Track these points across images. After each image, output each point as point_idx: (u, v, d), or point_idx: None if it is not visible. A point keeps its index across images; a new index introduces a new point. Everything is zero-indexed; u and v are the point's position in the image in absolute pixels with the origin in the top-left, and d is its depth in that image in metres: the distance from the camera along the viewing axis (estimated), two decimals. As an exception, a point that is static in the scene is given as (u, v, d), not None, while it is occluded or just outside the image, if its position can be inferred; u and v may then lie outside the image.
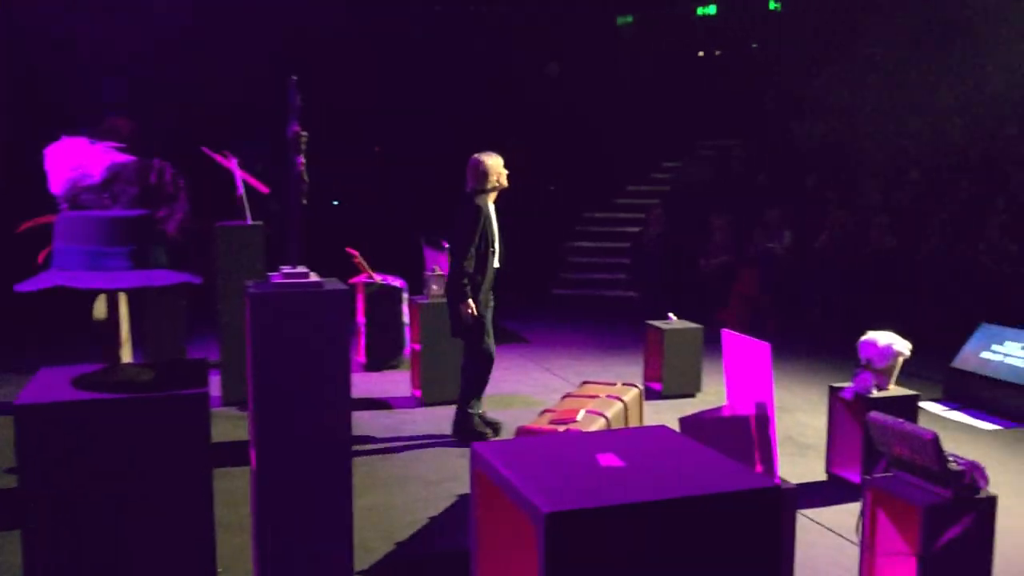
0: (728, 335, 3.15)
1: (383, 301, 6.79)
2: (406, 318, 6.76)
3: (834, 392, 4.67)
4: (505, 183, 4.94)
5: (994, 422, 5.74)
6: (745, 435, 2.91)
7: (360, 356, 6.93)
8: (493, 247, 4.87)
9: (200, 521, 2.30)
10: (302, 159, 3.00)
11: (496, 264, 4.95)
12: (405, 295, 6.93)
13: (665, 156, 12.45)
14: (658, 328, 6.34)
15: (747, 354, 3.01)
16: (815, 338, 8.36)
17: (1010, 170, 8.97)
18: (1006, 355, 6.01)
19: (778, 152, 11.37)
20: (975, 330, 6.38)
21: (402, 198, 10.90)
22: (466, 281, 4.79)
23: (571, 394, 4.45)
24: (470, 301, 4.83)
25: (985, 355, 6.14)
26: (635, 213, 11.32)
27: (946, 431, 5.51)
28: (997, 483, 4.10)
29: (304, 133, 3.03)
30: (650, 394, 6.24)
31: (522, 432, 3.90)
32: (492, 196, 4.91)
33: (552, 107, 11.83)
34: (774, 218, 9.25)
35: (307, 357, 2.81)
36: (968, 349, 6.30)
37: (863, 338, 4.56)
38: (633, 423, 4.45)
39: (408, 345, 6.64)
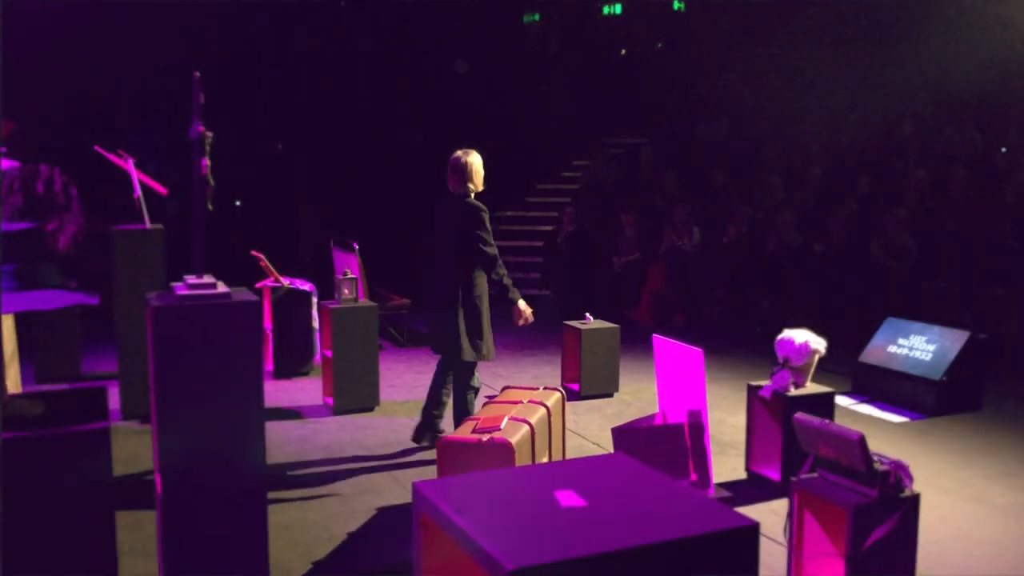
0: (659, 341, 3.12)
1: (291, 306, 6.62)
2: (316, 323, 6.59)
3: (752, 391, 4.73)
4: (481, 186, 4.80)
5: (902, 414, 5.96)
6: (679, 444, 2.87)
7: (268, 364, 6.80)
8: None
9: (101, 556, 2.07)
10: (207, 161, 2.78)
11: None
12: (314, 299, 6.77)
13: (575, 155, 12.51)
14: (575, 329, 6.37)
15: (679, 360, 2.97)
16: (723, 333, 8.55)
17: (906, 167, 9.40)
18: (911, 348, 6.26)
19: (685, 150, 11.59)
20: (881, 324, 6.60)
21: (311, 198, 10.56)
22: (507, 283, 4.59)
23: (493, 400, 4.36)
24: (522, 301, 4.62)
25: (891, 349, 6.37)
26: (547, 212, 11.35)
27: (856, 425, 5.68)
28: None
29: (209, 133, 2.81)
30: (569, 395, 6.22)
31: (445, 444, 3.78)
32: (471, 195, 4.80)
33: (461, 106, 11.72)
34: (682, 216, 9.41)
35: (215, 374, 2.61)
36: (875, 343, 6.52)
37: (780, 336, 4.63)
38: (557, 427, 4.39)
39: (318, 352, 6.44)
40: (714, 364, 7.32)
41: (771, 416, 4.62)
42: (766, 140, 11.05)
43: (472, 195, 4.74)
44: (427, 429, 4.95)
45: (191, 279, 2.76)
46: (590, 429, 5.50)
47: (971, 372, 6.05)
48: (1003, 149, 9.20)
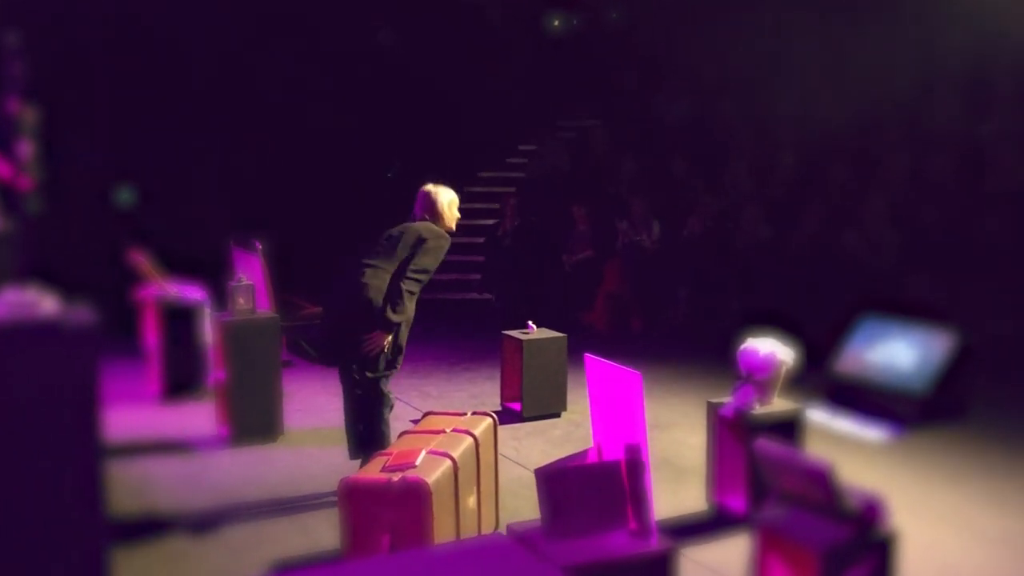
0: (592, 362, 2.93)
1: (180, 318, 6.49)
2: (209, 338, 6.37)
3: (713, 409, 4.60)
4: (454, 228, 4.73)
5: (882, 428, 5.91)
6: (615, 486, 2.69)
7: (152, 386, 6.62)
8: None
9: None
10: (28, 144, 2.46)
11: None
12: (207, 310, 6.58)
13: (520, 138, 12.38)
14: (516, 339, 6.24)
15: (615, 385, 2.79)
16: (686, 340, 8.49)
17: (883, 154, 9.41)
18: (890, 354, 6.21)
19: (643, 134, 11.49)
20: (856, 326, 6.54)
21: (208, 190, 10.21)
22: (400, 307, 4.42)
23: (410, 431, 4.14)
24: (390, 337, 4.47)
25: (869, 355, 6.33)
26: (488, 203, 11.16)
27: (831, 443, 5.61)
28: (888, 501, 4.12)
29: (30, 109, 2.50)
30: (509, 417, 6.14)
31: (348, 486, 3.53)
32: None
33: (387, 83, 11.46)
34: (640, 208, 9.31)
35: (36, 418, 2.30)
36: (850, 349, 6.47)
37: (742, 347, 4.52)
38: (487, 460, 4.20)
39: (212, 372, 6.23)
40: (676, 375, 7.25)
41: (734, 438, 4.51)
42: (732, 122, 11.00)
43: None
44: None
45: (10, 295, 2.45)
46: (532, 456, 5.37)
47: (957, 379, 6.04)
48: (988, 129, 9.26)
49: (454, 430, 4.08)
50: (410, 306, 4.51)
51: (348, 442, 4.76)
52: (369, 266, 4.49)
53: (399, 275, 4.45)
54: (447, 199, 4.71)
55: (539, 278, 9.48)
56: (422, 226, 4.55)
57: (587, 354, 3.12)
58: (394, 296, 4.42)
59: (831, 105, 10.66)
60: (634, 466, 2.79)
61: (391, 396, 4.69)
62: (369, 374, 4.51)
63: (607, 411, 2.98)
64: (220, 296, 6.24)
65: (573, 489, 2.65)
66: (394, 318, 4.41)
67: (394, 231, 4.60)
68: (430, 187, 4.74)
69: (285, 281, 7.19)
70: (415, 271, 4.46)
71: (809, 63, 11.18)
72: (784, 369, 4.51)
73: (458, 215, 4.76)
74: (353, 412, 4.70)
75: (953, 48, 10.16)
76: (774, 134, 10.67)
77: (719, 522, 4.45)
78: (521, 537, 2.89)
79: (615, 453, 2.91)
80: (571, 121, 12.50)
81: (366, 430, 4.61)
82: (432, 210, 4.66)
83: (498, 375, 6.47)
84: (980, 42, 9.81)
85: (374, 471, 3.66)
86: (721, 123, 11.20)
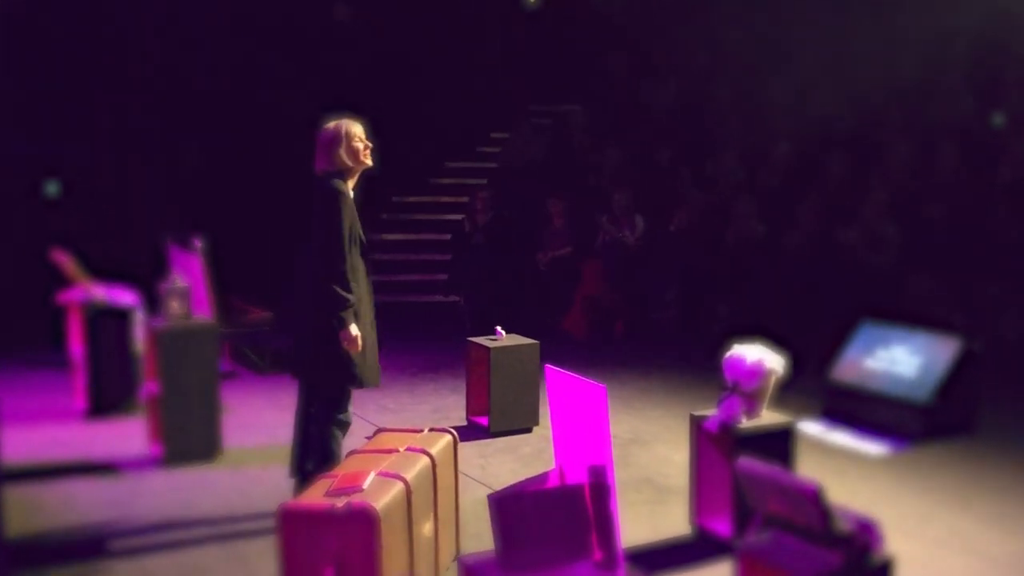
0: (553, 374, 2.88)
1: (108, 324, 6.40)
2: (140, 347, 6.34)
3: (696, 423, 4.57)
4: (368, 162, 4.58)
5: (883, 443, 5.93)
6: (578, 512, 2.64)
7: (78, 400, 6.55)
8: (362, 246, 4.53)
9: None
10: None
11: (366, 275, 4.59)
12: (139, 315, 6.52)
13: (493, 125, 12.36)
14: (482, 346, 6.20)
15: (578, 400, 2.75)
16: (673, 346, 8.50)
17: (884, 144, 9.44)
18: (892, 362, 6.22)
19: (626, 121, 11.48)
20: (856, 331, 6.55)
21: (142, 182, 10.10)
22: (350, 300, 4.36)
23: (359, 450, 4.09)
24: (353, 327, 4.38)
25: (868, 362, 6.34)
26: (457, 197, 11.15)
27: (825, 459, 5.62)
28: (888, 523, 4.10)
29: None
30: (475, 432, 6.12)
31: (287, 513, 3.47)
32: (353, 178, 4.59)
33: (346, 63, 11.38)
34: (623, 201, 9.30)
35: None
36: (849, 355, 6.49)
37: (728, 355, 4.50)
38: (446, 482, 4.15)
39: (143, 384, 6.22)
40: (661, 386, 7.27)
41: (719, 454, 4.49)
42: (724, 109, 11.01)
43: (343, 176, 4.52)
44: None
45: None
46: (500, 476, 5.35)
47: (963, 388, 6.05)
48: (997, 118, 9.30)
49: (408, 449, 4.01)
50: (356, 286, 4.42)
51: (291, 460, 4.70)
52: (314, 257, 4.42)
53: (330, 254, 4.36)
54: (351, 128, 4.52)
55: (511, 279, 9.47)
56: (327, 188, 4.43)
57: (547, 365, 3.06)
58: (330, 281, 4.34)
59: (829, 91, 10.70)
60: (599, 490, 2.74)
61: (349, 414, 4.63)
62: (329, 388, 4.47)
63: (570, 429, 2.94)
64: (153, 300, 6.17)
65: (531, 516, 2.60)
66: (345, 314, 4.33)
67: (310, 199, 4.49)
68: (325, 124, 4.56)
69: (228, 282, 7.11)
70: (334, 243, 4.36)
71: (806, 46, 11.21)
72: (774, 378, 4.49)
73: (362, 144, 4.54)
74: (304, 430, 4.65)
75: (960, 30, 10.21)
76: (768, 122, 10.68)
77: (702, 548, 4.42)
78: (472, 570, 2.83)
79: (578, 475, 2.86)
80: (548, 106, 12.48)
81: (317, 450, 4.56)
82: (328, 151, 4.50)
83: (464, 386, 6.43)
84: (989, 24, 9.87)
85: (316, 495, 3.58)
86: (712, 110, 11.21)
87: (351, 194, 4.54)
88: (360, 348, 4.42)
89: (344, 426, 4.63)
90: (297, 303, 4.59)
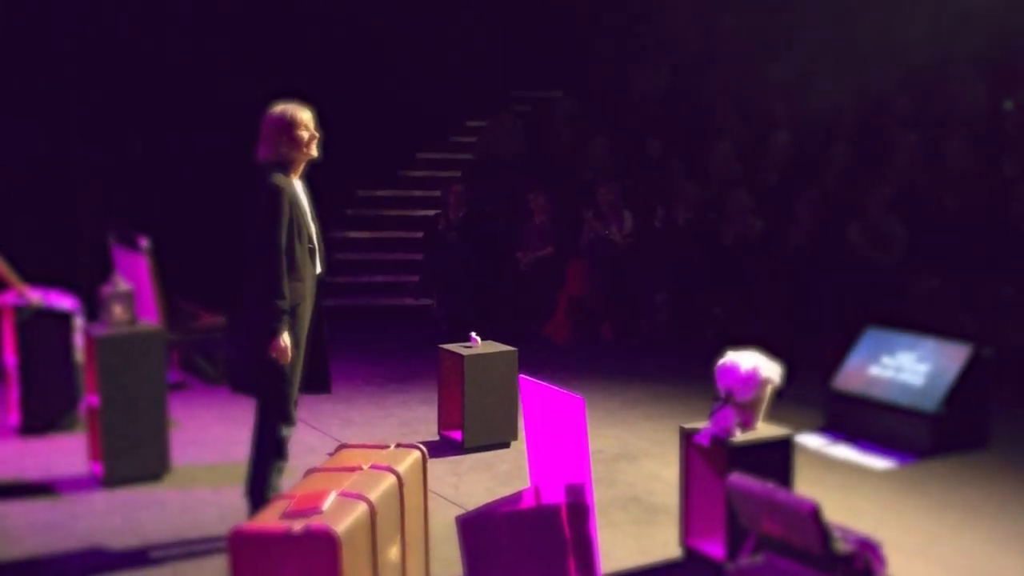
0: (528, 385, 2.89)
1: (44, 331, 6.39)
2: (80, 356, 6.30)
3: (687, 436, 4.59)
4: (314, 152, 4.60)
5: (888, 456, 5.97)
6: (555, 534, 2.65)
7: (11, 415, 6.53)
8: (310, 243, 4.54)
9: None
10: None
11: (318, 269, 4.61)
12: (78, 321, 6.49)
13: (468, 113, 12.35)
14: (456, 354, 6.20)
15: (555, 412, 2.76)
16: (664, 353, 8.54)
17: (891, 134, 9.51)
18: (898, 369, 6.27)
19: (614, 108, 11.52)
20: (860, 337, 6.60)
21: (83, 176, 10.04)
22: (281, 307, 4.38)
23: (319, 468, 4.08)
24: (285, 336, 4.42)
25: (873, 370, 6.38)
26: (429, 191, 11.15)
27: (828, 474, 5.68)
28: (895, 545, 4.14)
29: None
30: (447, 448, 6.12)
31: (239, 537, 3.46)
32: (297, 170, 4.60)
33: (305, 43, 11.35)
34: (610, 196, 9.32)
35: None
36: (852, 363, 6.53)
37: (721, 362, 4.53)
38: (414, 503, 4.14)
39: (83, 397, 6.20)
40: (650, 396, 7.32)
41: (711, 470, 4.52)
42: (718, 96, 11.06)
43: (278, 169, 4.52)
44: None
45: None
46: (475, 495, 5.35)
47: (974, 398, 6.09)
48: (1009, 104, 9.38)
49: (372, 467, 4.00)
50: (301, 286, 4.44)
51: (246, 479, 4.72)
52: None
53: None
54: (297, 114, 4.52)
55: (488, 280, 9.48)
56: (265, 182, 4.45)
57: (521, 376, 3.07)
58: (262, 284, 4.36)
59: (832, 77, 10.76)
60: (577, 510, 2.75)
61: (287, 440, 4.62)
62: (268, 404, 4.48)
63: (546, 444, 2.95)
64: (94, 304, 6.15)
65: (503, 539, 2.61)
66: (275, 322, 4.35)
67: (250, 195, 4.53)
68: (269, 110, 4.57)
69: (177, 285, 7.09)
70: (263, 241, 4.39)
71: (807, 28, 11.28)
72: (770, 388, 4.52)
73: (309, 133, 4.54)
74: (256, 450, 4.66)
75: (973, 12, 10.29)
76: (766, 110, 10.74)
77: (693, 571, 4.44)
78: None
79: (555, 495, 2.86)
80: (529, 92, 12.50)
81: (258, 473, 4.60)
82: (271, 140, 4.51)
83: (435, 398, 6.44)
84: (1003, 6, 9.95)
85: (271, 518, 3.57)
86: (706, 97, 11.26)
87: (295, 186, 4.55)
88: (289, 359, 4.44)
89: (282, 456, 4.65)
90: (237, 306, 4.64)
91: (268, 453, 4.62)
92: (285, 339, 4.42)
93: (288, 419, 4.61)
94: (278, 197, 4.41)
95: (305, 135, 4.53)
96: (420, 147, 11.97)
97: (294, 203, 4.49)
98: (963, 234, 8.13)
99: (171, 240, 7.82)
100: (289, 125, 4.50)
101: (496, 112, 11.86)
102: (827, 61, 11.04)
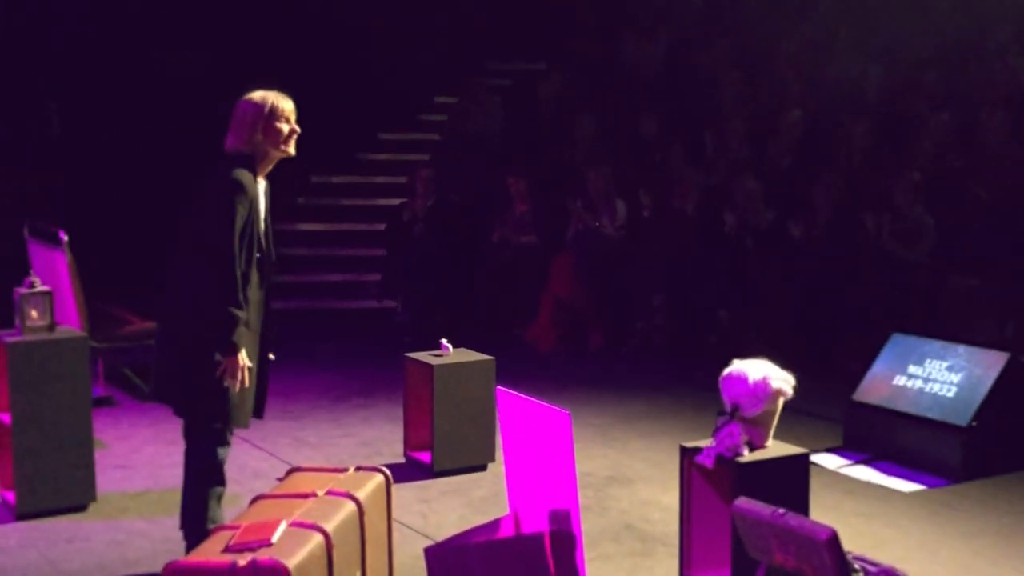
0: (506, 397, 2.93)
1: None
2: None
3: (687, 455, 4.61)
4: (291, 150, 4.63)
5: (915, 479, 6.01)
6: (536, 566, 2.69)
7: None
8: (260, 252, 4.56)
9: None
10: None
11: (267, 282, 4.65)
12: None
13: (438, 88, 12.39)
14: (424, 364, 6.21)
15: (537, 429, 2.80)
16: (662, 362, 8.57)
17: (922, 110, 9.57)
18: (927, 380, 6.32)
19: (605, 82, 11.56)
20: (884, 343, 6.65)
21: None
22: (239, 318, 4.42)
23: (267, 494, 4.10)
24: (243, 354, 4.45)
25: (900, 381, 6.43)
26: (392, 176, 11.19)
27: (847, 498, 5.72)
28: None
29: None
30: (415, 472, 6.12)
31: (172, 573, 3.49)
32: (266, 168, 4.64)
33: (253, 9, 11.34)
34: (600, 182, 9.35)
35: None
36: (876, 372, 6.59)
37: (726, 372, 4.54)
38: (376, 533, 4.17)
39: None
40: (646, 411, 7.38)
41: (715, 494, 4.53)
42: (722, 69, 11.12)
43: (243, 163, 4.55)
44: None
45: None
46: (447, 525, 5.36)
47: (1013, 412, 6.14)
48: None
49: (329, 493, 4.03)
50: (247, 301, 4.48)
51: (182, 509, 4.74)
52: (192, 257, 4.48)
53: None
54: (271, 104, 4.53)
55: (461, 279, 9.47)
56: (225, 173, 4.46)
57: (499, 388, 3.11)
58: (220, 289, 4.38)
59: (852, 47, 10.85)
60: (561, 540, 2.79)
61: (224, 462, 4.65)
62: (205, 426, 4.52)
63: (527, 465, 2.99)
64: (6, 307, 6.12)
65: (478, 573, 2.65)
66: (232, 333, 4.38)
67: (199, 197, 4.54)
68: (246, 96, 4.60)
69: (102, 285, 7.08)
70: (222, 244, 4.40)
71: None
72: (782, 401, 4.53)
73: (289, 127, 4.57)
74: (189, 475, 4.69)
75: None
76: (778, 85, 10.81)
77: (694, 611, 4.47)
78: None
79: (537, 522, 2.90)
80: (507, 64, 12.53)
81: (193, 502, 4.62)
82: (244, 129, 4.53)
83: (401, 414, 6.45)
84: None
85: (214, 551, 3.59)
86: (708, 70, 11.31)
87: (257, 187, 4.58)
88: (245, 381, 4.48)
89: (219, 484, 4.68)
90: (167, 311, 4.65)
91: (204, 479, 4.65)
92: (244, 357, 4.45)
93: (224, 441, 4.65)
94: (236, 194, 4.42)
95: (285, 128, 4.56)
96: (383, 127, 12.01)
97: (253, 205, 4.51)
98: (1001, 225, 8.19)
99: (95, 234, 7.81)
100: (268, 115, 4.52)
101: (469, 87, 11.91)
102: (847, 29, 11.12)
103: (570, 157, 10.44)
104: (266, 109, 4.52)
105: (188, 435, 4.68)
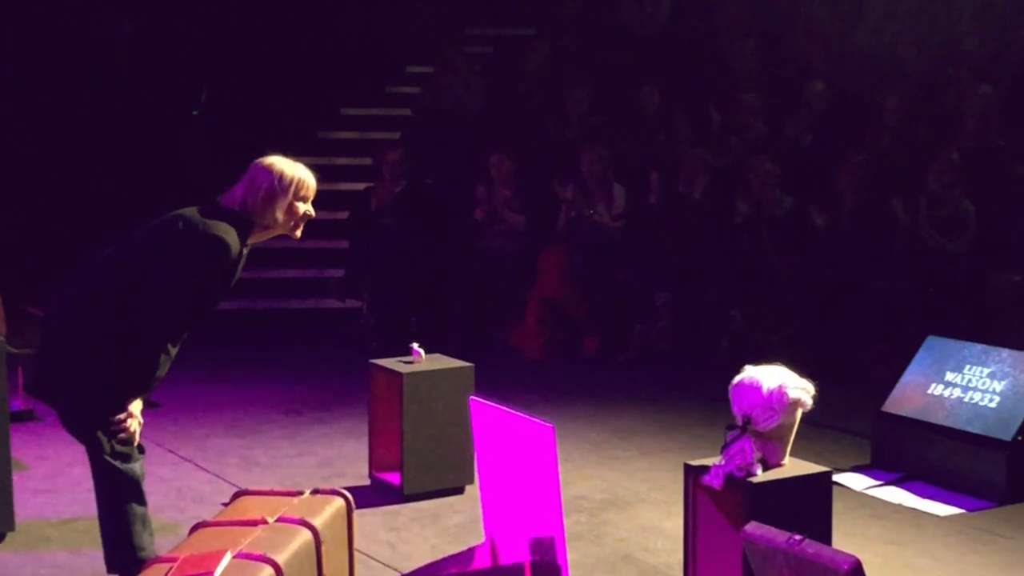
0: (480, 409, 2.93)
1: None
2: None
3: (693, 475, 4.63)
4: (297, 234, 4.80)
5: (953, 502, 6.02)
6: None
7: None
8: (204, 313, 4.71)
9: None
10: None
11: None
12: None
13: (411, 57, 12.42)
14: (392, 372, 6.21)
15: (517, 445, 2.80)
16: (665, 370, 8.59)
17: (961, 82, 9.60)
18: (967, 388, 6.33)
19: (599, 50, 11.57)
20: (918, 348, 6.67)
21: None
22: (154, 381, 4.62)
23: (210, 521, 4.10)
24: (136, 405, 4.61)
25: (935, 390, 6.45)
26: (357, 158, 11.23)
27: (875, 522, 5.73)
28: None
29: None
30: (382, 495, 6.12)
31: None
32: (260, 237, 4.76)
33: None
34: (596, 164, 9.36)
35: None
36: (909, 381, 6.60)
37: (737, 379, 4.56)
38: (335, 565, 4.18)
39: None
40: (647, 426, 7.39)
41: (725, 518, 4.54)
42: (736, 35, 11.15)
43: (250, 227, 4.66)
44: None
45: None
46: (417, 556, 5.35)
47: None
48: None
49: (280, 519, 4.03)
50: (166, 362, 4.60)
51: (104, 545, 4.75)
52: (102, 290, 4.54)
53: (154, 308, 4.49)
54: (293, 177, 4.65)
55: (434, 274, 9.47)
56: (213, 224, 4.50)
57: (473, 398, 3.12)
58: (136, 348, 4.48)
59: (884, 12, 10.89)
60: (544, 571, 2.79)
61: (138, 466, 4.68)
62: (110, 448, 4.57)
63: (505, 487, 2.99)
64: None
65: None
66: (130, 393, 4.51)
67: (165, 219, 4.58)
68: (269, 160, 4.70)
69: (21, 287, 7.05)
70: (172, 301, 4.49)
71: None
72: (800, 413, 4.55)
73: (304, 211, 4.71)
74: (101, 501, 4.72)
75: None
76: (798, 54, 10.84)
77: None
78: None
79: (517, 552, 2.91)
80: (488, 29, 12.54)
81: (114, 531, 4.64)
82: (259, 196, 4.61)
83: (366, 429, 6.45)
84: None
85: (148, 585, 3.59)
86: (718, 36, 11.34)
87: (241, 256, 4.65)
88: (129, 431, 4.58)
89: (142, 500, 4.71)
90: (65, 312, 4.66)
91: (121, 501, 4.64)
92: (136, 408, 4.58)
93: (129, 457, 4.67)
94: (216, 262, 4.51)
95: (301, 210, 4.67)
96: (346, 101, 12.03)
97: (225, 275, 4.60)
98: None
99: (12, 231, 7.79)
100: (291, 192, 4.64)
101: (446, 55, 11.90)
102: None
103: (561, 135, 10.44)
104: (291, 187, 4.63)
105: (91, 454, 4.68)
